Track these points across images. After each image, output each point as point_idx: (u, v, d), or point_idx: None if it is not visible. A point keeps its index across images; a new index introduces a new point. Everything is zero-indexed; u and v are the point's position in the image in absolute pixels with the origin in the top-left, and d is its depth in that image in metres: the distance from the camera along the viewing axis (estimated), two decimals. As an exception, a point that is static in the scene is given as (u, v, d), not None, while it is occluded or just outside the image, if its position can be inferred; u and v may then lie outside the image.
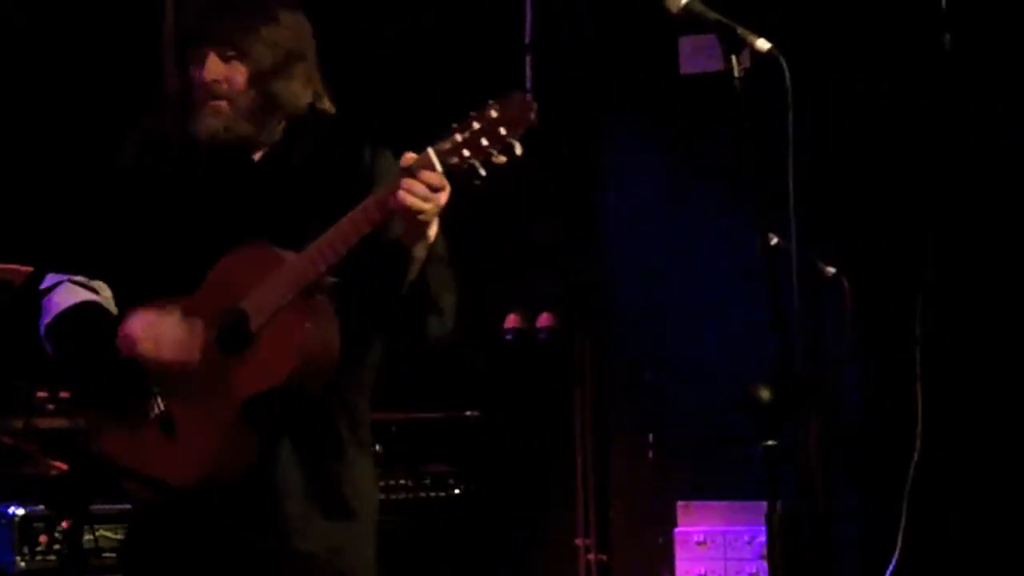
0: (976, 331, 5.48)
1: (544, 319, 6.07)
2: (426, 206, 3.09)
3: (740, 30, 3.17)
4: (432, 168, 3.08)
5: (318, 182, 3.35)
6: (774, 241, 3.21)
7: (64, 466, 4.66)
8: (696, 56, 5.85)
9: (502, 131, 3.03)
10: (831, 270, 4.14)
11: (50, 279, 3.43)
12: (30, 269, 4.85)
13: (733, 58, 3.17)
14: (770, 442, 3.21)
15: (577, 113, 6.14)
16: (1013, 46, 5.49)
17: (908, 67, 5.58)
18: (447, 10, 6.21)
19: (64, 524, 4.61)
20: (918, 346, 5.33)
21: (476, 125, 3.04)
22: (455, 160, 3.07)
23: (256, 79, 3.29)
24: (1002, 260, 5.49)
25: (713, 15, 3.22)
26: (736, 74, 3.15)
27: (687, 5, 3.23)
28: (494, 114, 3.04)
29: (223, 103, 3.28)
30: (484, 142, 3.04)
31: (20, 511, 4.66)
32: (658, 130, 6.10)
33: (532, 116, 3.04)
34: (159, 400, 3.29)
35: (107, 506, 4.56)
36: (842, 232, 5.56)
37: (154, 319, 3.30)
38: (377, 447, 4.59)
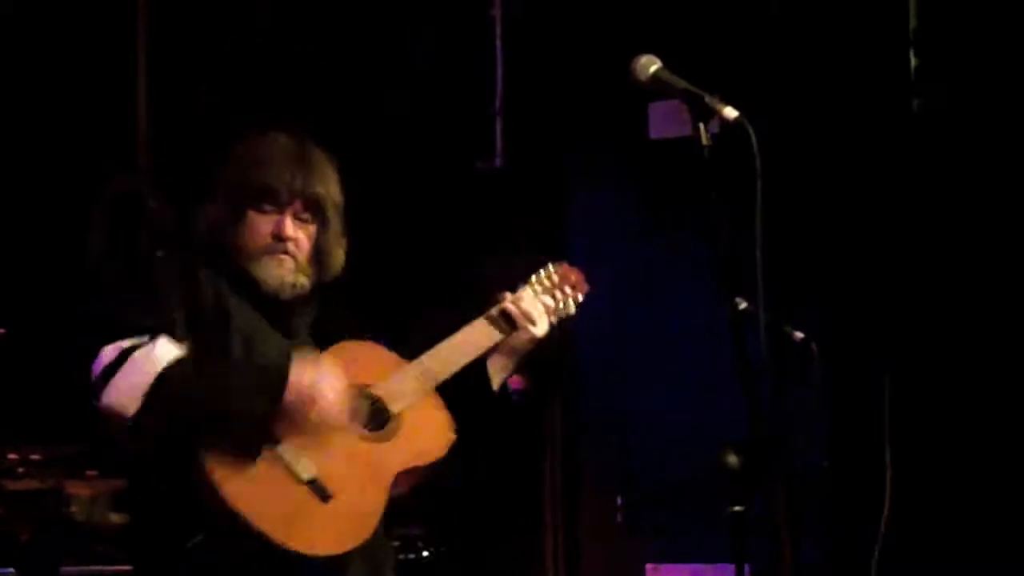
0: (945, 393, 5.51)
1: (514, 381, 6.08)
2: (539, 326, 3.69)
3: (708, 98, 3.19)
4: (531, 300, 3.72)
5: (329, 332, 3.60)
6: (742, 306, 3.23)
7: (33, 529, 4.66)
8: (665, 121, 5.89)
9: (568, 289, 3.78)
10: (799, 335, 4.15)
11: (123, 343, 3.29)
12: (0, 331, 4.88)
13: (701, 126, 3.19)
14: (738, 507, 3.23)
15: (546, 178, 6.18)
16: (981, 109, 5.55)
17: (877, 131, 5.63)
18: (418, 76, 6.24)
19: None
20: (887, 410, 5.35)
21: (547, 282, 3.77)
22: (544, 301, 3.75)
23: (319, 240, 3.53)
24: (972, 322, 5.52)
25: (681, 83, 3.23)
26: (704, 142, 3.18)
27: (655, 74, 3.25)
28: (557, 278, 3.78)
29: (288, 258, 3.49)
30: (557, 294, 3.77)
31: (-6, 573, 4.65)
32: (627, 194, 6.13)
33: (585, 283, 3.81)
34: (304, 464, 3.32)
35: (77, 568, 4.55)
36: (811, 297, 5.58)
37: (338, 374, 3.38)
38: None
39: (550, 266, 3.81)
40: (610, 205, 6.17)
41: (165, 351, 3.28)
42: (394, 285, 5.19)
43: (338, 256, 3.58)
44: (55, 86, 6.07)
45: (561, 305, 3.78)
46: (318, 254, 3.53)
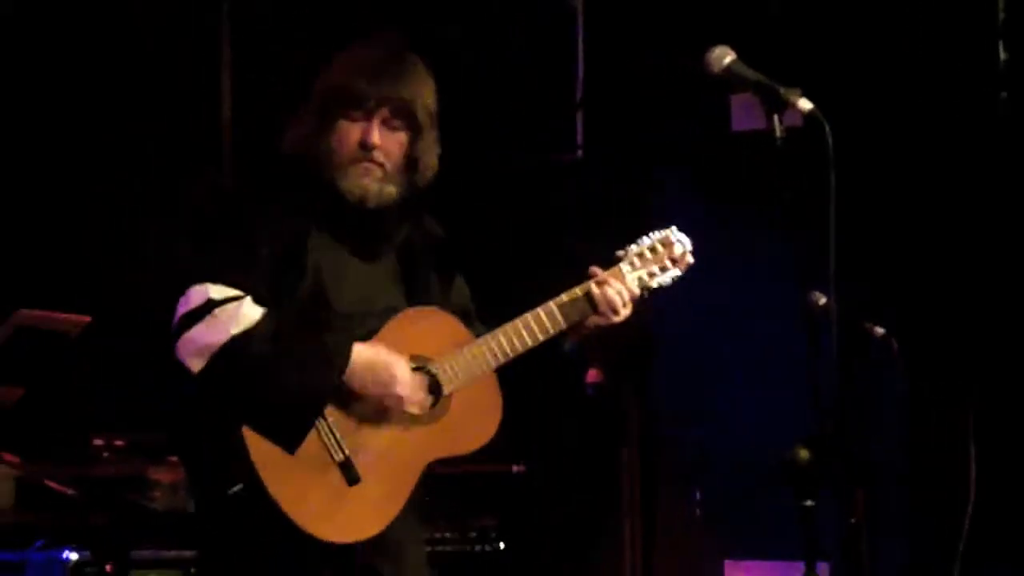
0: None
1: (592, 375, 6.07)
2: (621, 314, 3.52)
3: (782, 90, 3.16)
4: (623, 280, 3.54)
5: (425, 250, 3.55)
6: (822, 301, 3.21)
7: (107, 513, 4.72)
8: (748, 113, 5.86)
9: (668, 263, 3.60)
10: (880, 331, 4.10)
11: (211, 290, 3.27)
12: (86, 319, 4.93)
13: (775, 118, 3.17)
14: (808, 502, 3.20)
15: (626, 170, 6.16)
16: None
17: (963, 126, 5.57)
18: (500, 68, 6.25)
19: (108, 568, 4.66)
20: (972, 407, 5.29)
21: (649, 253, 3.58)
22: (639, 276, 3.57)
23: (410, 147, 3.45)
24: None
25: (754, 75, 3.21)
26: (778, 134, 3.15)
27: (729, 65, 3.24)
28: (662, 249, 3.59)
29: (376, 167, 3.42)
30: (655, 268, 3.58)
31: (74, 556, 4.71)
32: (707, 187, 6.10)
33: (691, 257, 3.61)
34: (341, 443, 3.29)
35: (149, 551, 4.62)
36: (893, 292, 5.54)
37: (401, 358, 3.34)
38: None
39: (656, 233, 3.63)
40: (691, 197, 6.14)
41: (246, 316, 3.25)
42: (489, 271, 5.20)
43: (431, 163, 3.48)
44: (142, 82, 6.16)
45: (656, 281, 3.60)
46: (410, 162, 3.45)
